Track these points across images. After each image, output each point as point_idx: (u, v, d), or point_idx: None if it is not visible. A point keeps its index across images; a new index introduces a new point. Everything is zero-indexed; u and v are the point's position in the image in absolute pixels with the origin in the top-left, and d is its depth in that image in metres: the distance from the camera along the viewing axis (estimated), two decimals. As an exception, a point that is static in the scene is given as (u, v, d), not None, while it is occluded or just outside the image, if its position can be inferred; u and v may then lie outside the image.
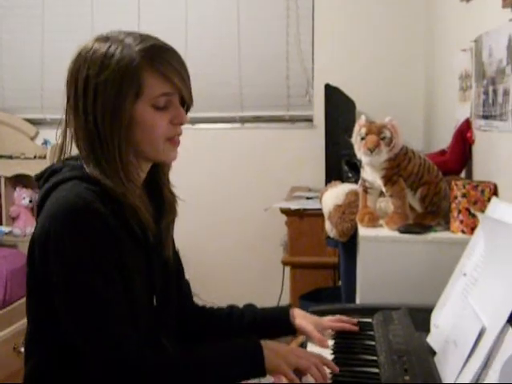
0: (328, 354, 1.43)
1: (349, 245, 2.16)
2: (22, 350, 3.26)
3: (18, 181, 4.14)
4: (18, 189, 4.16)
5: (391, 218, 1.88)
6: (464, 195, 1.80)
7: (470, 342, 1.09)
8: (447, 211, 1.88)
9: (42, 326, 1.34)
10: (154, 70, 1.30)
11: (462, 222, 1.80)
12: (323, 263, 3.13)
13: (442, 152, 2.40)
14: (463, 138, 2.24)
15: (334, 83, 3.15)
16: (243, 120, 4.17)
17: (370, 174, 1.90)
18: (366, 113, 2.68)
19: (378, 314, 1.59)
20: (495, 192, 1.83)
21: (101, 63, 1.29)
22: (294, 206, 3.24)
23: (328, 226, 2.22)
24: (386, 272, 1.81)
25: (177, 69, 1.33)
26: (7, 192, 4.14)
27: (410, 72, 3.90)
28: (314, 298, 2.92)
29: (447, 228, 1.88)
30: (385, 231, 1.88)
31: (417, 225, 1.88)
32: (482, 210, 1.64)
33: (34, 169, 3.73)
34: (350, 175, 2.65)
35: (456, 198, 1.82)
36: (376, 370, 1.32)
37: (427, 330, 1.38)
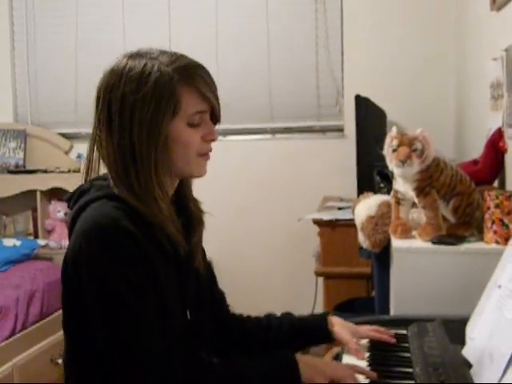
0: (363, 366, 1.44)
1: (382, 256, 2.16)
2: (59, 361, 3.33)
3: (53, 194, 4.19)
4: (53, 202, 4.22)
5: (424, 229, 1.88)
6: (497, 206, 1.78)
7: (506, 355, 1.09)
8: (480, 222, 1.87)
9: (78, 342, 1.35)
10: (191, 87, 1.32)
11: (495, 232, 1.79)
12: (356, 273, 3.12)
13: (475, 162, 2.38)
14: (495, 148, 2.23)
15: (363, 93, 3.15)
16: (274, 131, 4.19)
17: (402, 186, 1.90)
18: (397, 122, 2.69)
19: (412, 326, 1.59)
20: (529, 202, 1.81)
21: (138, 80, 1.29)
22: (326, 216, 3.24)
23: (361, 237, 2.22)
24: (419, 283, 1.80)
25: (211, 86, 1.35)
26: (43, 205, 4.20)
27: (440, 81, 3.89)
28: (347, 309, 2.92)
29: (480, 239, 1.86)
30: (418, 242, 1.88)
31: (450, 236, 1.87)
32: (516, 221, 1.63)
33: (68, 182, 3.86)
34: (382, 186, 2.65)
35: (489, 208, 1.81)
36: (412, 382, 1.32)
37: (462, 342, 1.37)
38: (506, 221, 1.77)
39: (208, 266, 1.56)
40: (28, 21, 4.41)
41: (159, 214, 1.31)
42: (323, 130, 4.13)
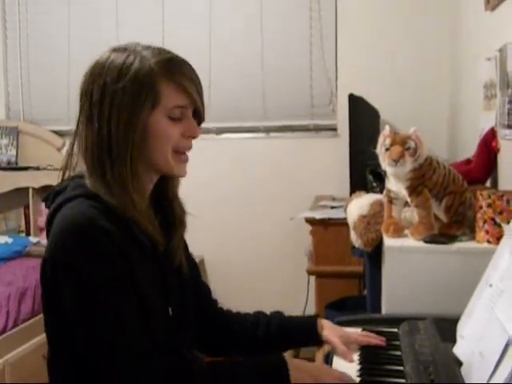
0: (354, 365, 1.44)
1: (374, 255, 2.16)
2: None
3: (46, 191, 4.15)
4: (45, 199, 4.20)
5: (416, 228, 1.88)
6: (489, 205, 1.78)
7: (497, 353, 1.09)
8: (472, 221, 1.87)
9: (60, 343, 1.35)
10: (172, 81, 1.32)
11: (487, 232, 1.80)
12: (348, 272, 3.13)
13: (467, 161, 2.39)
14: (488, 148, 2.24)
15: (357, 92, 3.16)
16: (268, 130, 4.19)
17: (395, 185, 1.90)
18: (390, 122, 2.68)
19: (403, 324, 1.59)
20: (521, 202, 1.82)
21: (119, 71, 1.30)
22: (318, 215, 3.25)
23: (353, 236, 2.22)
24: (411, 282, 1.80)
25: (194, 81, 1.35)
26: (35, 203, 4.19)
27: (433, 81, 3.89)
28: (339, 308, 2.92)
29: (472, 238, 1.86)
30: (410, 241, 1.88)
31: (442, 235, 1.87)
32: (508, 220, 1.63)
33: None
34: (374, 185, 2.65)
35: (481, 207, 1.81)
36: (402, 381, 1.32)
37: (453, 341, 1.37)
38: (497, 220, 1.77)
39: (192, 263, 1.55)
40: (20, 17, 4.40)
41: (131, 208, 1.30)
42: (316, 129, 4.14)
